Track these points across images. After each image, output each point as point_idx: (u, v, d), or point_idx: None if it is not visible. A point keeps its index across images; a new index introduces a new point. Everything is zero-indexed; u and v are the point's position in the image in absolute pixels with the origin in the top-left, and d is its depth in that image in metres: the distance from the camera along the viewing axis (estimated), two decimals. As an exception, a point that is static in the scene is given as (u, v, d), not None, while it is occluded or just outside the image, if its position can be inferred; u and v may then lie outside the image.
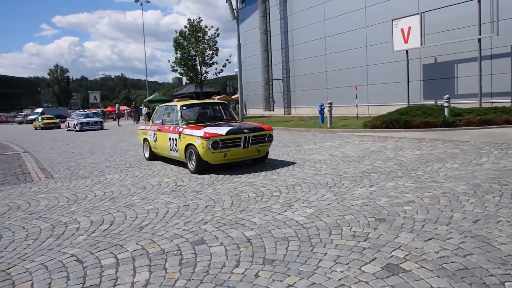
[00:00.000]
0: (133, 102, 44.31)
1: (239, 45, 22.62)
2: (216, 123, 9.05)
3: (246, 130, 8.22)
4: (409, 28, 20.07)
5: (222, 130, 8.07)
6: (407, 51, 20.41)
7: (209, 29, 32.27)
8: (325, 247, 3.76)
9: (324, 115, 18.45)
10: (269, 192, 6.12)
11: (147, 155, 10.71)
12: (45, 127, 33.05)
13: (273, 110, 32.48)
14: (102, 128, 28.21)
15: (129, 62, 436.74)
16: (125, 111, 56.89)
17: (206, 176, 7.76)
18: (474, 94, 18.33)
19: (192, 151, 8.22)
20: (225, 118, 9.95)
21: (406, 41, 20.33)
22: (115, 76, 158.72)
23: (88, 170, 9.41)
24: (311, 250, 3.71)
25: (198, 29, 31.96)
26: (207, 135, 7.81)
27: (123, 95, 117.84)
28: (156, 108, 11.13)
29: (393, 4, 22.79)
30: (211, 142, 7.74)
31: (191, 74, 32.57)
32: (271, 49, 31.83)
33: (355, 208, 4.95)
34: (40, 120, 34.62)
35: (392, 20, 20.74)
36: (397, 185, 6.06)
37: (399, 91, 22.05)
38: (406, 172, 7.06)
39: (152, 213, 5.27)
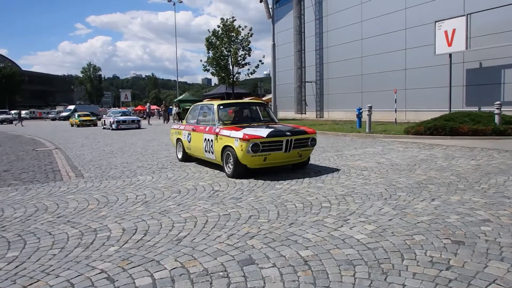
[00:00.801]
0: (163, 102, 44.35)
1: (273, 45, 22.03)
2: (255, 124, 8.51)
3: (288, 133, 7.62)
4: (454, 30, 19.04)
5: (263, 132, 7.50)
6: (450, 55, 19.38)
7: (242, 29, 31.81)
8: (400, 275, 3.13)
9: (362, 120, 17.71)
10: (318, 202, 5.50)
11: (180, 156, 10.25)
12: (82, 124, 32.57)
13: (305, 113, 31.72)
14: (139, 127, 26.76)
15: (159, 62, 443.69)
16: (155, 110, 57.22)
17: (245, 181, 7.20)
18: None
19: (230, 154, 7.68)
20: (262, 119, 9.41)
21: (449, 44, 19.31)
22: (146, 75, 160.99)
23: (119, 170, 9.00)
24: (385, 279, 3.08)
25: (231, 28, 31.50)
26: (247, 137, 7.25)
27: (153, 95, 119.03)
28: (191, 107, 10.66)
29: (436, 5, 21.73)
30: (251, 145, 7.18)
31: (223, 74, 32.13)
32: (304, 50, 31.06)
33: (422, 226, 4.28)
34: (76, 117, 34.07)
35: (435, 21, 19.76)
36: (463, 200, 5.35)
37: (439, 97, 21.04)
38: (468, 184, 6.32)
39: (190, 222, 4.73)
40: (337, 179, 7.15)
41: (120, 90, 78.40)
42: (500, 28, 18.43)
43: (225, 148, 7.84)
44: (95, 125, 33.17)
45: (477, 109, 18.40)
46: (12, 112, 58.28)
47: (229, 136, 7.70)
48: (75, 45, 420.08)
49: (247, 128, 7.81)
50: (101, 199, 6.13)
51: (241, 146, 7.27)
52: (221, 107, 8.95)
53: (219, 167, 8.38)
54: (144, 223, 4.76)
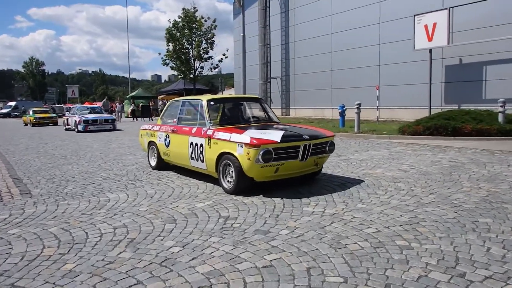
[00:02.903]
0: (118, 98, 41.50)
1: (243, 36, 20.27)
2: (255, 125, 6.80)
3: (306, 136, 5.93)
4: (434, 24, 17.97)
5: (274, 135, 5.75)
6: (430, 50, 18.36)
7: (205, 20, 29.69)
8: None
9: (345, 118, 16.35)
10: (387, 238, 3.84)
11: (153, 163, 8.33)
12: (38, 122, 26.83)
13: (270, 111, 30.13)
14: (114, 129, 20.92)
15: (107, 57, 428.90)
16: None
17: (257, 201, 5.43)
18: (507, 99, 16.40)
19: (230, 163, 5.89)
20: (259, 118, 7.69)
21: (430, 39, 18.21)
22: (93, 71, 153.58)
23: (79, 183, 6.95)
24: None
25: (193, 19, 29.30)
26: (255, 141, 5.49)
27: (101, 91, 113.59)
28: (168, 103, 8.75)
29: (411, -2, 20.75)
30: (261, 152, 5.42)
31: (184, 68, 29.89)
32: (270, 45, 29.42)
33: None
34: (31, 114, 27.80)
35: (415, 15, 18.66)
36: None
37: (416, 94, 20.09)
38: (555, 204, 4.90)
39: (220, 286, 2.93)
40: (374, 196, 5.54)
41: (66, 85, 73.63)
42: (482, 23, 17.64)
43: (223, 155, 6.05)
44: (56, 123, 27.80)
45: (457, 107, 17.70)
46: None
47: (228, 141, 5.91)
48: (15, 39, 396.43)
49: (250, 130, 6.07)
50: (62, 235, 4.17)
51: (248, 153, 5.50)
52: (212, 103, 7.13)
53: (212, 179, 6.57)
54: (142, 290, 2.91)
